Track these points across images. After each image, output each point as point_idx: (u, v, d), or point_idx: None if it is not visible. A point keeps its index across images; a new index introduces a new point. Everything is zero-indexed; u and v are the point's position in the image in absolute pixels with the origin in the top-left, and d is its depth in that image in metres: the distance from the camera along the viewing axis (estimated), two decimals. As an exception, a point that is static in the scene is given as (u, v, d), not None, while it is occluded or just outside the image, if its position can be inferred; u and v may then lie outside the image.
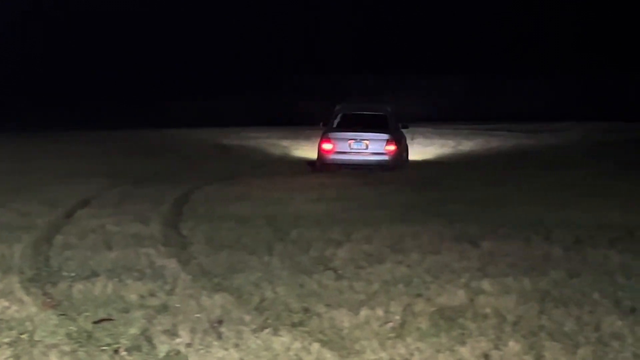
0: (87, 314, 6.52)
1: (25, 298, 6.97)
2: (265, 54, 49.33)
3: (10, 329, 6.12)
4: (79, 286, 7.33)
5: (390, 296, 6.99)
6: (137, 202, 12.58)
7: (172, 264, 8.25)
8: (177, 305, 6.71)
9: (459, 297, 6.96)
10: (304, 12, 49.80)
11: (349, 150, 17.25)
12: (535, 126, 31.58)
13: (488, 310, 6.56)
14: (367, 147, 17.21)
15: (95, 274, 7.82)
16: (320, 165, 17.58)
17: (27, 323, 6.24)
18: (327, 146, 17.34)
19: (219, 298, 6.87)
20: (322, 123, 18.24)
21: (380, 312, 6.49)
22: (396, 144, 17.40)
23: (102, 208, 12.02)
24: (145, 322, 6.26)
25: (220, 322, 6.24)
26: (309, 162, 19.56)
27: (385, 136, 17.29)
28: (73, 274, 7.85)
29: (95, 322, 6.29)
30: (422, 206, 12.26)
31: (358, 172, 16.76)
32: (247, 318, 6.33)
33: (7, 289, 7.24)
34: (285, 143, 26.03)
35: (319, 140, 17.71)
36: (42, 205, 12.12)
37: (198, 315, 6.42)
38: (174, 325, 6.15)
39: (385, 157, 17.19)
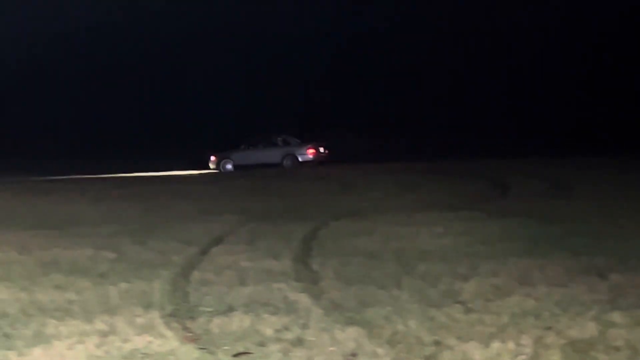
0: (226, 347, 6.82)
1: (167, 332, 7.32)
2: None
3: (153, 362, 6.47)
4: (217, 321, 7.65)
5: (520, 329, 7.06)
6: (267, 238, 12.91)
7: (304, 299, 8.49)
8: (312, 338, 6.94)
9: (590, 329, 6.97)
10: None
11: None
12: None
13: (620, 342, 6.56)
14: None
15: (231, 309, 8.13)
16: None
17: (171, 357, 6.57)
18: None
19: (351, 331, 7.07)
20: None
21: (511, 345, 6.58)
22: None
23: (235, 245, 12.40)
24: (282, 356, 6.52)
25: (354, 355, 6.44)
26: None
27: None
28: (211, 309, 8.17)
29: (235, 356, 6.58)
30: (546, 239, 12.20)
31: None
32: (380, 351, 6.52)
33: (149, 324, 7.61)
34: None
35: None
36: (177, 242, 12.60)
37: (332, 348, 6.64)
38: (309, 359, 6.38)
39: None
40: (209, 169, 35.33)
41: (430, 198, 19.66)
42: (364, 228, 13.79)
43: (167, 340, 7.03)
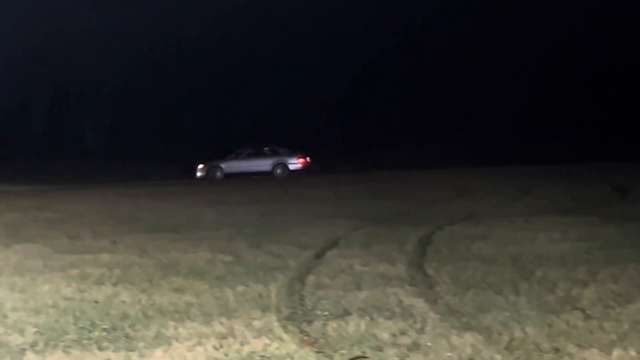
0: (342, 351, 6.84)
1: (284, 336, 7.38)
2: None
3: (273, 365, 6.55)
4: (333, 324, 7.69)
5: (642, 337, 6.90)
6: (382, 242, 12.90)
7: (420, 304, 8.46)
8: (428, 344, 6.91)
9: None
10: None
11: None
12: None
13: None
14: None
15: (347, 313, 8.16)
16: None
17: (288, 360, 6.65)
18: None
19: (468, 337, 7.01)
20: None
21: (633, 352, 6.43)
22: None
23: (349, 249, 12.44)
24: (398, 360, 6.52)
25: (472, 360, 6.40)
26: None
27: None
28: (327, 313, 8.21)
29: (351, 360, 6.61)
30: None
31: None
32: (498, 357, 6.45)
33: (266, 327, 7.69)
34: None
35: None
36: (293, 246, 12.71)
37: (449, 354, 6.60)
38: (426, 363, 6.36)
39: None
40: (195, 177, 35.95)
41: (546, 202, 19.36)
42: (480, 232, 13.67)
43: (285, 343, 7.09)
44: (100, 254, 12.38)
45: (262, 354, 6.81)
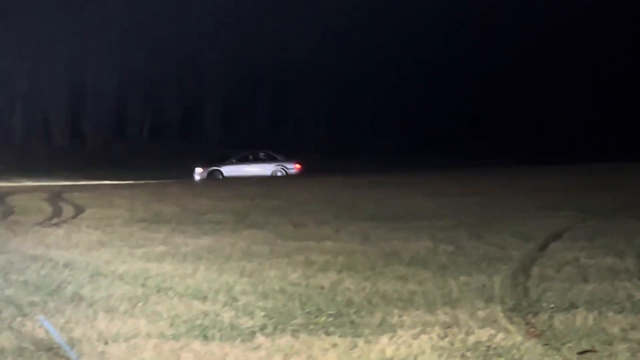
0: (570, 344, 6.68)
1: (509, 327, 7.29)
2: None
3: (499, 355, 6.46)
4: (559, 317, 7.52)
5: None
6: (607, 236, 12.49)
7: (652, 298, 8.17)
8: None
9: None
10: None
11: None
12: None
13: None
14: None
15: (574, 306, 7.95)
16: None
17: (514, 351, 6.53)
18: None
19: None
20: None
21: None
22: None
23: (574, 241, 12.13)
24: (630, 356, 6.30)
25: None
26: None
27: None
28: (552, 305, 8.02)
29: (580, 353, 6.44)
30: None
31: None
32: None
33: (491, 318, 7.62)
34: None
35: None
36: (515, 237, 12.54)
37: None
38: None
39: None
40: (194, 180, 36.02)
41: None
42: None
43: (510, 335, 7.01)
44: (323, 241, 12.67)
45: (487, 344, 6.75)
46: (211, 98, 63.48)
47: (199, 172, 35.59)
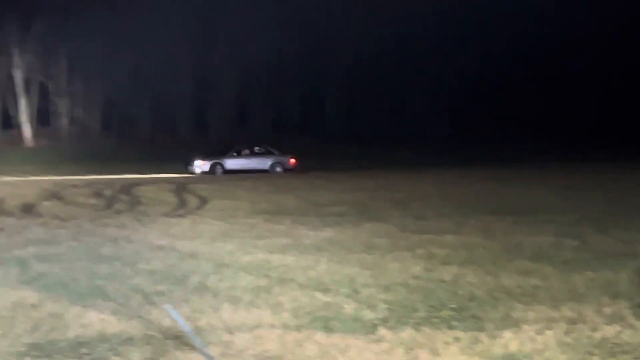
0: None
1: (636, 323, 7.12)
2: None
3: (626, 353, 6.32)
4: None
5: None
6: None
7: None
8: None
9: None
10: None
11: None
12: None
13: None
14: None
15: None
16: None
17: (641, 348, 6.40)
18: None
19: None
20: None
21: None
22: None
23: None
24: None
25: None
26: None
27: None
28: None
29: None
30: None
31: None
32: None
33: (617, 314, 7.45)
34: None
35: None
36: (641, 233, 12.27)
37: None
38: None
39: None
40: (191, 172, 35.30)
41: None
42: None
43: (638, 332, 6.84)
44: (444, 234, 12.61)
45: (614, 340, 6.61)
46: (332, 93, 63.86)
47: (199, 165, 35.81)
